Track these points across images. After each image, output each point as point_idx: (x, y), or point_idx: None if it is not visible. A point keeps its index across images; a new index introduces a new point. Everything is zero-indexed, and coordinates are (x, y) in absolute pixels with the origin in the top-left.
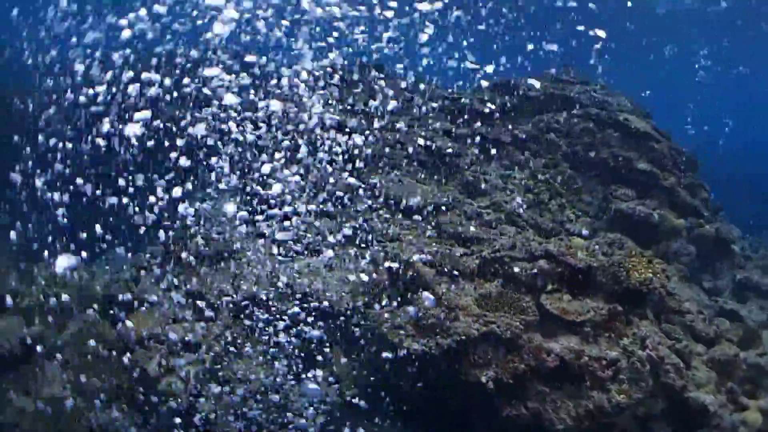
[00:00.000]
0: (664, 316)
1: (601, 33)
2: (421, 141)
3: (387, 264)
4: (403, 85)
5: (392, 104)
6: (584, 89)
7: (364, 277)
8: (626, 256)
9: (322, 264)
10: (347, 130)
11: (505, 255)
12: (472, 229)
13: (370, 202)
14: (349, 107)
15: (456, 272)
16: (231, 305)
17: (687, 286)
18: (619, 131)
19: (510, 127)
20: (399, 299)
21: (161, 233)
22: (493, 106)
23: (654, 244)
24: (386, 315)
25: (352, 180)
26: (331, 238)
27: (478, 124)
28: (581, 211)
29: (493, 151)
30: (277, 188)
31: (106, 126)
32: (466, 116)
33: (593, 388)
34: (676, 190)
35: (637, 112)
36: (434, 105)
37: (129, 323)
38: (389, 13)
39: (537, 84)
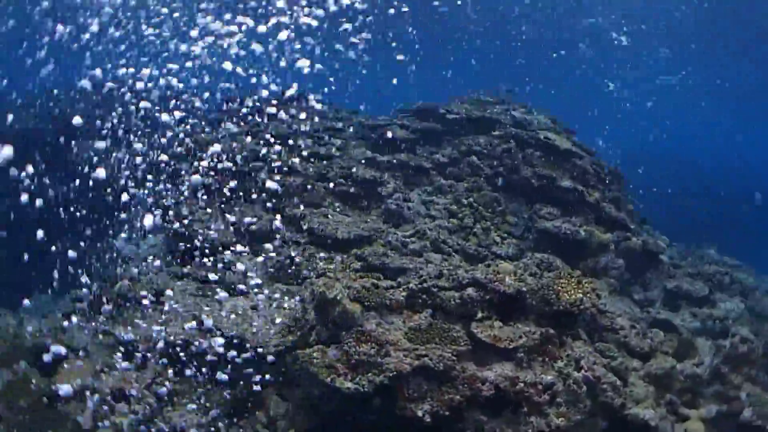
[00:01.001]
0: (597, 335)
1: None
2: (343, 171)
3: (313, 301)
4: (323, 113)
5: (308, 139)
6: (504, 109)
7: (292, 316)
8: (555, 278)
9: (248, 304)
10: (265, 163)
11: (432, 285)
12: (397, 259)
13: (294, 236)
14: (264, 140)
15: (384, 306)
16: (160, 350)
17: (618, 300)
18: (541, 150)
19: (432, 152)
20: (328, 337)
21: (86, 277)
22: (412, 136)
23: (582, 260)
24: (316, 354)
25: (276, 219)
26: (256, 278)
27: (402, 155)
28: (507, 233)
29: (416, 178)
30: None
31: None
32: (388, 143)
33: (531, 414)
34: (601, 205)
35: (558, 129)
36: (356, 132)
37: (60, 373)
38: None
39: (458, 107)
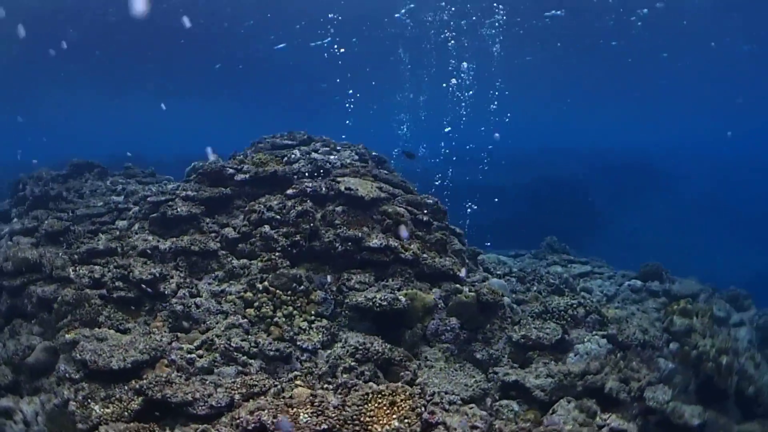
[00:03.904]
0: None
1: None
2: (120, 272)
3: None
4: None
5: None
6: (305, 152)
7: None
8: (363, 403)
9: None
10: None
11: None
12: (183, 387)
13: (68, 372)
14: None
15: None
16: None
17: (458, 368)
18: (343, 203)
19: (223, 224)
20: None
21: None
22: (198, 209)
23: (409, 328)
24: None
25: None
26: None
27: (185, 238)
28: (315, 315)
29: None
30: None
31: None
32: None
33: None
34: (421, 257)
35: (363, 170)
36: (140, 210)
37: None
38: None
39: (250, 162)
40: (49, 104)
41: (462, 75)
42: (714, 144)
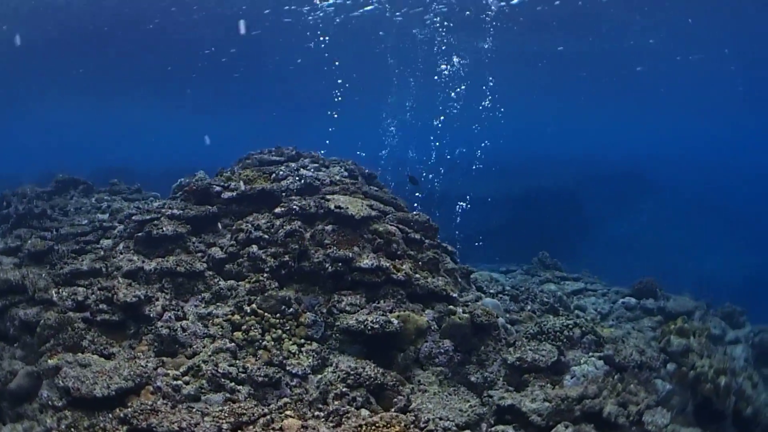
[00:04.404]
0: None
1: None
2: (103, 294)
3: None
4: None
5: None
6: (293, 169)
7: None
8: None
9: None
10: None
11: None
12: (169, 416)
13: (51, 399)
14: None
15: None
16: None
17: (452, 391)
18: (332, 222)
19: (209, 243)
20: None
21: None
22: (184, 228)
23: (401, 351)
24: None
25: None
26: None
27: (171, 258)
28: (304, 338)
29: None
30: None
31: None
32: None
33: None
34: (413, 278)
35: (353, 187)
36: (125, 228)
37: None
38: None
39: (237, 179)
40: (34, 114)
41: (453, 68)
42: (704, 150)
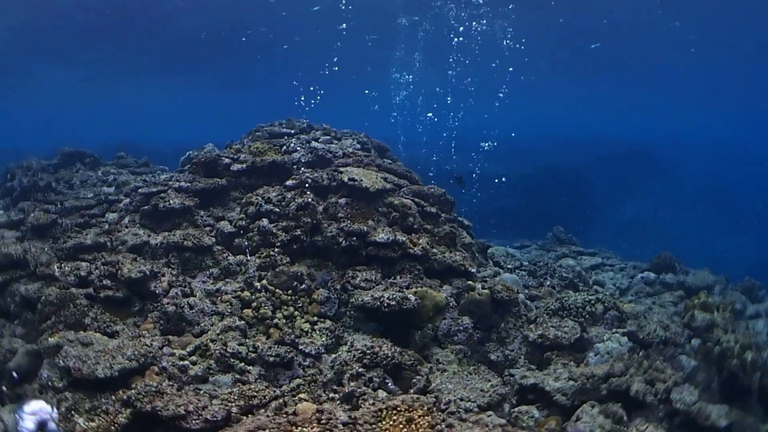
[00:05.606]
0: None
1: None
2: (107, 270)
3: None
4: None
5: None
6: (304, 141)
7: None
8: (376, 420)
9: None
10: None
11: None
12: (175, 398)
13: (51, 379)
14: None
15: None
16: None
17: (472, 371)
18: (346, 195)
19: (218, 217)
20: None
21: None
22: (192, 201)
23: (419, 329)
24: None
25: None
26: None
27: (178, 233)
28: (317, 316)
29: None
30: None
31: None
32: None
33: None
34: (430, 252)
35: (367, 159)
36: (131, 201)
37: None
38: None
39: (247, 151)
40: (41, 90)
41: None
42: (714, 132)
